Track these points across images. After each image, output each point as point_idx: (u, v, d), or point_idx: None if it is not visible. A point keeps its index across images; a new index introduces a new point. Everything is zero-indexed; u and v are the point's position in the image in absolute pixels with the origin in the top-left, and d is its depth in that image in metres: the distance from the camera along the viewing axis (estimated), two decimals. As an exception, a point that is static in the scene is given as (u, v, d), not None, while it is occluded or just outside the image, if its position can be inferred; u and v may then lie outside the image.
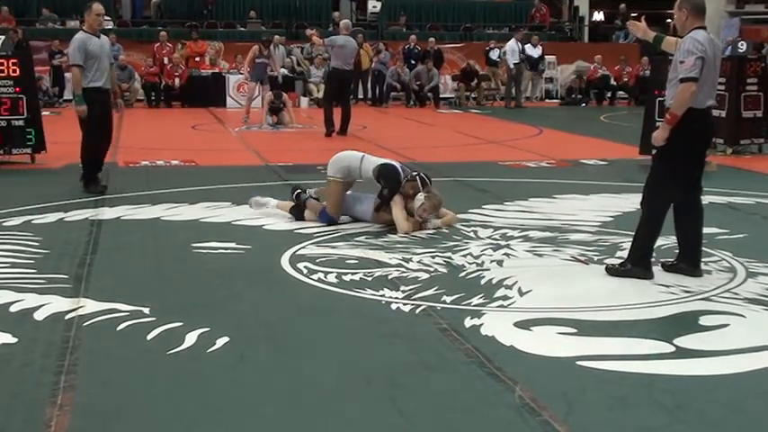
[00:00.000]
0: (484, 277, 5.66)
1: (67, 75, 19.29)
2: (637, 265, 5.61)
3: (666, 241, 6.13)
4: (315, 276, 5.67)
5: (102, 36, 8.80)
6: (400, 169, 7.16)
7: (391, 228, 7.03)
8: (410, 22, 25.17)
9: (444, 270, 5.84)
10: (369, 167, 7.18)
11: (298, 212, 7.41)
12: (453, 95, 21.75)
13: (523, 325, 4.71)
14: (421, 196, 6.98)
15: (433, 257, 6.15)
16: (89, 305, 4.99)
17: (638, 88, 20.18)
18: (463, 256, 6.21)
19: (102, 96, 8.66)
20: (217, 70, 20.89)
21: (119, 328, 4.61)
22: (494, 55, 21.74)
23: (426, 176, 7.18)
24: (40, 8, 22.65)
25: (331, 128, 14.02)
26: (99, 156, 8.92)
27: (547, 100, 22.81)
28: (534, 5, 25.67)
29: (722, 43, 9.97)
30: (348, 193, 7.37)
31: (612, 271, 5.71)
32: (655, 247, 5.73)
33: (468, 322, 4.74)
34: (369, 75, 20.98)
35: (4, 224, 7.16)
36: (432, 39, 22.20)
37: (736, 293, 5.32)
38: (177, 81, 19.79)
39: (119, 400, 3.73)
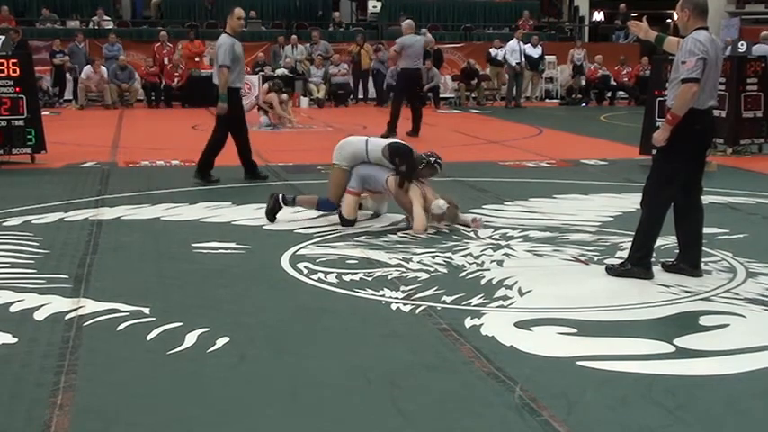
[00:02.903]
0: (484, 277, 5.66)
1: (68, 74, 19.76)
2: (637, 265, 5.61)
3: (666, 241, 6.13)
4: (315, 276, 5.67)
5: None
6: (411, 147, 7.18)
7: (392, 227, 7.05)
8: (410, 22, 25.10)
9: (444, 270, 5.84)
10: (376, 149, 7.19)
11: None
12: (453, 95, 21.72)
13: (523, 325, 4.71)
14: (443, 204, 6.94)
15: (433, 257, 6.15)
16: (89, 305, 4.99)
17: (638, 88, 20.18)
18: (463, 256, 6.21)
19: (240, 98, 9.12)
20: (217, 70, 20.84)
21: (119, 328, 4.61)
22: (498, 55, 21.68)
23: (439, 159, 7.21)
24: (40, 8, 22.63)
25: (392, 131, 13.17)
26: (249, 157, 9.25)
27: (547, 100, 22.78)
28: (523, 17, 25.48)
29: (722, 43, 9.96)
30: (360, 168, 7.23)
31: (612, 271, 5.71)
32: (655, 247, 5.73)
33: (468, 322, 4.74)
34: (369, 74, 20.95)
35: (4, 224, 7.16)
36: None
37: (736, 293, 5.32)
38: (177, 81, 19.77)
39: (119, 400, 3.73)
